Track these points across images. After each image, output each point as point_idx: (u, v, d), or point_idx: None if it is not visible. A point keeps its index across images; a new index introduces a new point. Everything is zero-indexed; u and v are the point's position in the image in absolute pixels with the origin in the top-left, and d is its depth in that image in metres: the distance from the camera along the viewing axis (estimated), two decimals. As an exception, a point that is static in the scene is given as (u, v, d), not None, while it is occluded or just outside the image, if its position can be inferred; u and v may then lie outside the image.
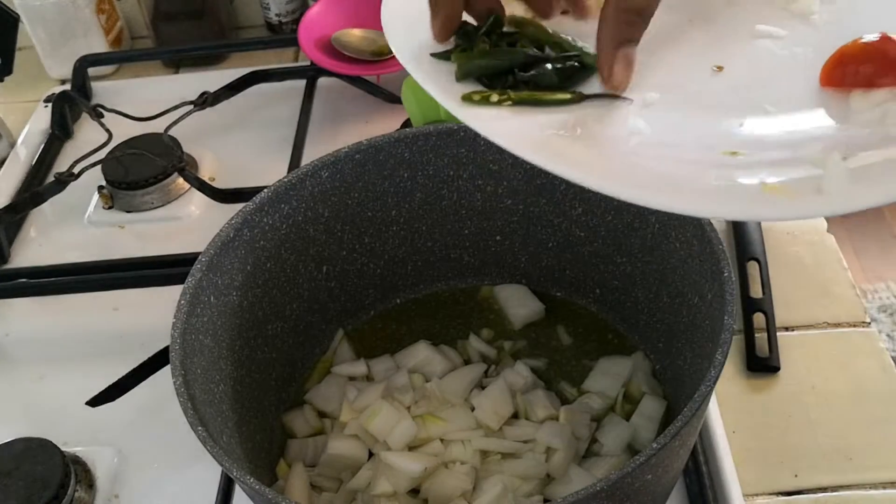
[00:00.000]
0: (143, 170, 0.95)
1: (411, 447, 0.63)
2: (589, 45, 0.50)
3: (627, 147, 0.46)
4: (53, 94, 1.10)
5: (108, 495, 0.70)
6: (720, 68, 0.51)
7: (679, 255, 0.61)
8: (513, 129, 0.47)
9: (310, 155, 0.94)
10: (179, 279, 0.59)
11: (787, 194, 0.41)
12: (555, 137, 0.47)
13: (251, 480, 0.48)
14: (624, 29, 0.47)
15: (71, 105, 1.08)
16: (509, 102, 0.48)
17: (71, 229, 0.96)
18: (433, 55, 0.52)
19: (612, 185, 0.42)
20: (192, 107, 0.99)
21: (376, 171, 0.67)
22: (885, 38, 0.48)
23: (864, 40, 0.48)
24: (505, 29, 0.53)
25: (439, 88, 0.49)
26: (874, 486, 0.65)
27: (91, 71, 1.13)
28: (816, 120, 0.47)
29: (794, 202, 0.41)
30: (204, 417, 0.53)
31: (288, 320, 0.68)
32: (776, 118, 0.47)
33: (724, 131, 0.47)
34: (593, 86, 0.50)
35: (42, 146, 1.06)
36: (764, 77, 0.51)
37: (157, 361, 0.68)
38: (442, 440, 0.63)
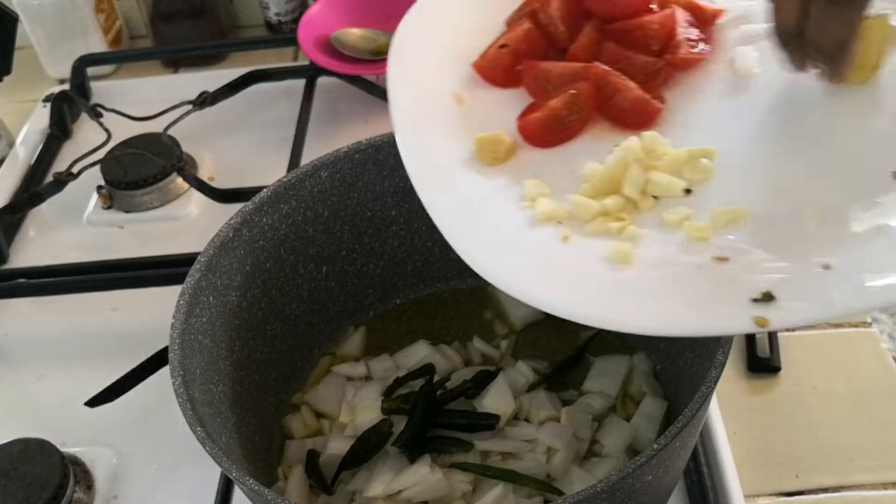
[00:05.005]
0: (142, 170, 0.94)
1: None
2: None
3: None
4: (52, 93, 1.10)
5: (107, 496, 0.69)
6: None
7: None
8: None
9: (309, 155, 0.94)
10: (178, 279, 0.59)
11: None
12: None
13: (250, 481, 0.48)
14: None
15: (70, 105, 1.08)
16: None
17: (70, 229, 0.96)
18: None
19: None
20: (191, 106, 0.99)
21: (376, 171, 0.67)
22: None
23: None
24: None
25: None
26: (875, 486, 0.65)
27: (90, 70, 1.13)
28: None
29: None
30: (203, 418, 0.52)
31: (287, 320, 0.68)
32: None
33: None
34: None
35: (41, 146, 1.06)
36: None
37: (155, 362, 0.68)
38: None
